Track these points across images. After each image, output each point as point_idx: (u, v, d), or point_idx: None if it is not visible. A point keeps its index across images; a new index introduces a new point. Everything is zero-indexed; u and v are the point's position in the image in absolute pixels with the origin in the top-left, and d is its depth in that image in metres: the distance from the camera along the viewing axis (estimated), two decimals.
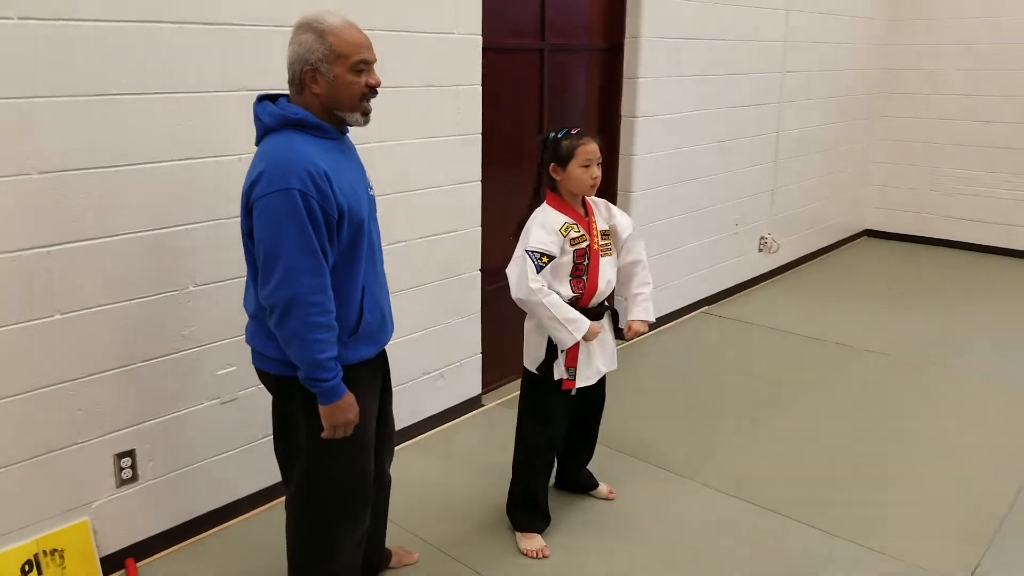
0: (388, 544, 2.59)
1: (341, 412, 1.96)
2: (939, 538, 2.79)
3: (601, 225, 2.62)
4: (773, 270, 5.97)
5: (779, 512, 2.92)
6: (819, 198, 6.36)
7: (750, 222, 5.52)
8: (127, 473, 2.54)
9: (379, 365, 2.22)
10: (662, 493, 3.04)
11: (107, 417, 2.47)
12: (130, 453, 2.54)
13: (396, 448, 3.31)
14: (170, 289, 2.53)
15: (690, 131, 4.68)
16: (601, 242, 2.58)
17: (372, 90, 2.00)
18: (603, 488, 2.99)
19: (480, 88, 3.37)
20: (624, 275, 2.72)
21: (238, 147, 2.58)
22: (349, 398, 1.97)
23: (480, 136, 3.42)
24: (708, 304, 5.30)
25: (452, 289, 3.45)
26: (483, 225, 3.54)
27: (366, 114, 2.02)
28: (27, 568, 2.35)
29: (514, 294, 2.48)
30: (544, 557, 2.65)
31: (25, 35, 2.11)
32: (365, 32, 1.99)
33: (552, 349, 2.57)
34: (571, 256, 2.51)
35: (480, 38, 3.32)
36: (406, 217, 3.18)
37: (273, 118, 1.95)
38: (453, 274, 3.44)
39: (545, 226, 2.50)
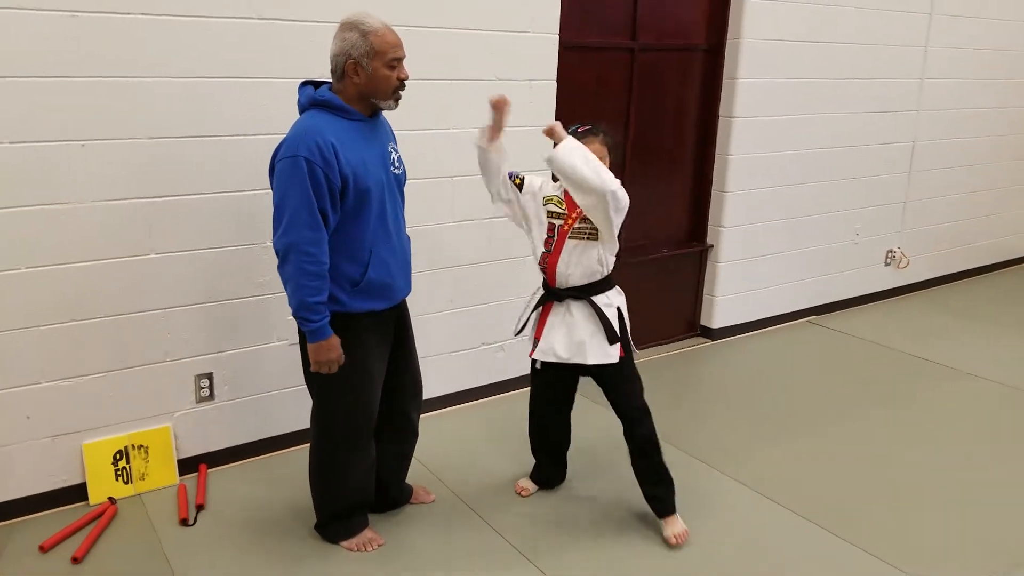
0: (412, 483, 2.94)
1: (324, 351, 2.33)
2: (946, 559, 2.72)
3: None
4: (903, 286, 5.70)
5: (807, 518, 2.95)
6: (969, 216, 5.96)
7: (874, 233, 5.33)
8: (204, 392, 3.07)
9: (391, 319, 2.55)
10: (689, 486, 3.11)
11: (191, 343, 2.99)
12: (208, 376, 3.06)
13: (453, 408, 3.66)
14: (247, 243, 3.02)
15: (795, 135, 4.64)
16: (578, 225, 2.60)
17: (402, 82, 2.37)
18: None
19: (555, 83, 3.62)
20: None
21: None
22: (333, 341, 2.33)
23: None
24: (817, 314, 5.19)
25: (516, 269, 3.73)
26: None
27: (397, 100, 2.40)
28: (118, 456, 2.92)
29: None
30: (523, 495, 2.97)
31: (159, 29, 2.66)
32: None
33: (526, 322, 2.80)
34: (545, 227, 2.67)
35: (556, 37, 3.57)
36: (471, 199, 3.50)
37: (306, 99, 2.37)
38: (519, 254, 3.72)
39: (540, 180, 2.73)
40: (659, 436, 2.74)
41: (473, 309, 3.65)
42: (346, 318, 2.39)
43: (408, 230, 2.63)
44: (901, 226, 5.50)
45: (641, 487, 2.77)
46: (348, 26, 2.33)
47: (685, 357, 4.48)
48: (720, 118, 4.41)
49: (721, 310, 4.68)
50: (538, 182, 2.72)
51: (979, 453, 3.45)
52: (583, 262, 2.61)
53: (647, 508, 2.79)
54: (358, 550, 2.64)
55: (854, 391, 4.07)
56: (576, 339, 2.63)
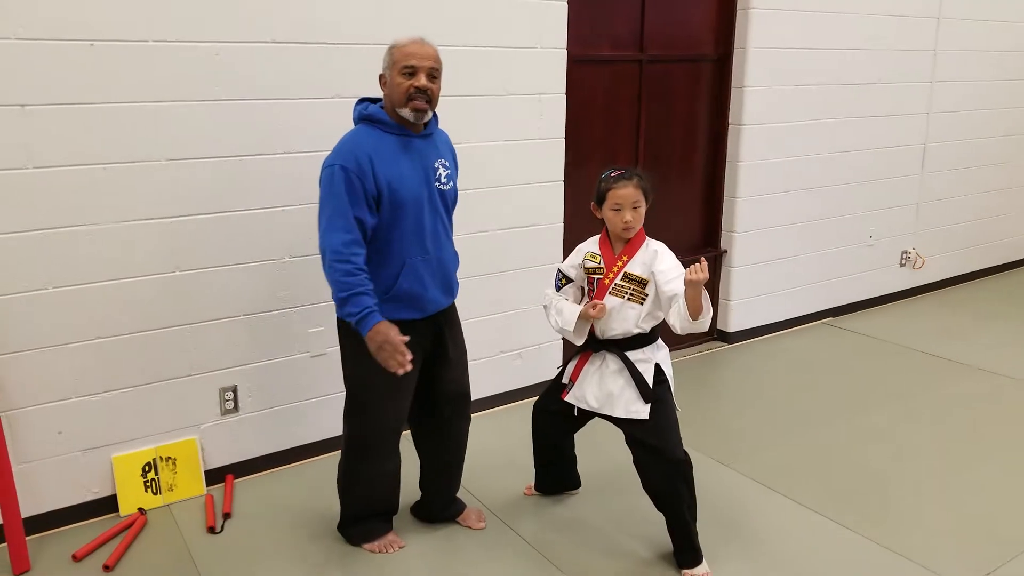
0: (469, 506, 2.95)
1: (373, 340, 2.33)
2: (959, 552, 2.75)
3: (635, 269, 2.60)
4: (920, 286, 5.71)
5: (802, 503, 3.00)
6: (985, 214, 5.96)
7: (889, 235, 5.35)
8: (229, 404, 3.15)
9: (425, 330, 2.57)
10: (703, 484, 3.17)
11: (215, 357, 3.08)
12: (233, 389, 3.15)
13: (475, 416, 3.70)
14: (268, 259, 3.11)
15: (805, 140, 4.68)
16: (619, 282, 2.60)
17: (418, 90, 2.40)
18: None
19: (564, 96, 3.70)
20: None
21: (327, 144, 3.09)
22: (380, 327, 2.32)
23: (563, 140, 3.75)
24: (834, 315, 5.22)
25: (533, 278, 3.80)
26: (569, 222, 3.86)
27: (415, 110, 2.42)
28: (147, 468, 3.01)
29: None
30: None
31: (171, 55, 2.76)
32: (433, 46, 2.45)
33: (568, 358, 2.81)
34: (584, 282, 2.71)
35: (564, 51, 3.65)
36: (487, 209, 3.58)
37: (356, 114, 2.51)
38: (533, 264, 3.79)
39: (578, 251, 2.74)
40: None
41: (491, 319, 3.72)
42: None
43: None
44: (915, 227, 5.51)
45: (671, 533, 2.68)
46: (388, 47, 2.47)
47: (701, 361, 4.52)
48: (730, 126, 4.47)
49: (736, 314, 4.72)
50: (578, 259, 2.72)
51: (991, 447, 3.46)
52: (620, 320, 2.60)
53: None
54: (379, 552, 2.71)
55: (867, 389, 4.11)
56: (607, 390, 2.63)
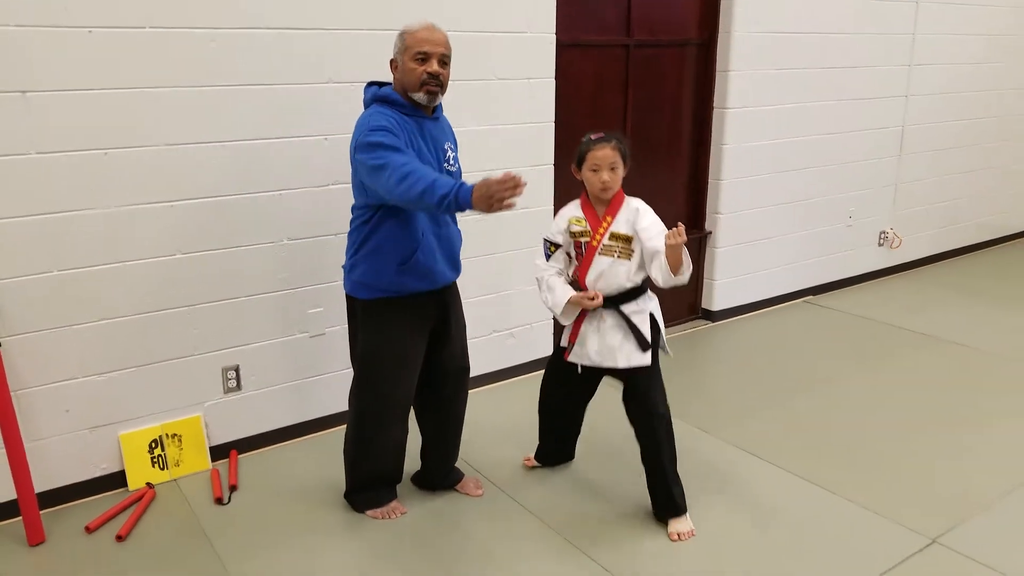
0: (466, 475, 3.08)
1: (481, 195, 2.23)
2: (924, 504, 2.92)
3: (620, 228, 2.71)
4: (897, 265, 5.87)
5: (778, 465, 3.15)
6: (960, 196, 6.13)
7: (868, 216, 5.50)
8: (232, 383, 3.25)
9: (431, 303, 2.69)
10: (687, 449, 3.31)
11: (217, 337, 3.17)
12: (235, 368, 3.24)
13: (470, 392, 3.81)
14: (268, 241, 3.19)
15: (787, 123, 4.81)
16: (607, 242, 2.71)
17: (431, 76, 2.50)
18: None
19: (553, 81, 3.80)
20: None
21: (323, 128, 3.20)
22: (474, 186, 2.25)
23: (553, 124, 3.85)
24: (815, 294, 5.37)
25: (523, 259, 3.91)
26: (560, 205, 3.95)
27: (429, 94, 2.52)
28: (153, 445, 3.10)
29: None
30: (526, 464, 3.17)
31: (168, 41, 2.83)
32: (443, 32, 2.54)
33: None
34: (571, 247, 2.79)
35: (553, 36, 3.74)
36: None
37: (369, 96, 2.59)
38: (524, 245, 3.90)
39: (561, 216, 2.84)
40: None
41: (484, 299, 3.83)
42: (387, 302, 2.59)
43: None
44: (893, 208, 5.67)
45: (650, 487, 2.84)
46: (400, 32, 2.55)
47: (686, 338, 4.66)
48: (714, 109, 4.58)
49: (720, 293, 4.86)
50: (562, 224, 2.80)
51: (958, 413, 3.64)
52: (612, 278, 2.71)
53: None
54: (383, 518, 2.84)
55: (843, 361, 4.29)
56: (607, 344, 2.74)
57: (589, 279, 2.74)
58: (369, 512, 2.86)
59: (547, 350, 4.14)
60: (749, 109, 4.60)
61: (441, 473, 3.01)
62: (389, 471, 2.87)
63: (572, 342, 2.85)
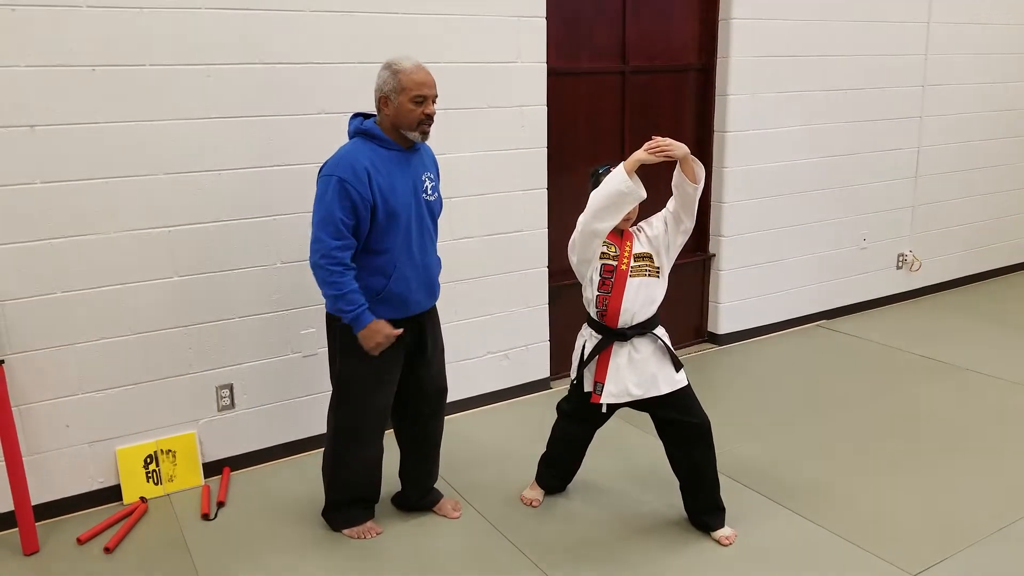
0: (445, 496, 3.12)
1: (369, 336, 2.61)
2: (910, 538, 2.86)
3: (640, 248, 2.77)
4: (918, 289, 5.77)
5: (768, 496, 3.12)
6: (982, 218, 6.01)
7: (884, 238, 5.43)
8: (226, 401, 3.37)
9: (408, 329, 2.75)
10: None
11: (211, 356, 3.30)
12: (229, 386, 3.37)
13: (462, 414, 3.87)
14: (260, 264, 3.32)
15: (789, 146, 4.80)
16: (633, 264, 2.74)
17: (427, 117, 2.63)
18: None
19: (545, 108, 3.88)
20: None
21: (314, 157, 3.31)
22: (375, 324, 2.60)
23: (545, 150, 3.93)
24: (829, 318, 5.31)
25: (518, 281, 3.97)
26: (554, 229, 4.03)
27: (424, 133, 2.66)
28: (148, 460, 3.23)
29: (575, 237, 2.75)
30: (534, 506, 3.11)
31: (167, 77, 3.00)
32: (430, 70, 2.63)
33: (583, 358, 2.82)
34: (599, 269, 2.74)
35: (544, 65, 3.83)
36: (472, 216, 3.77)
37: (353, 128, 2.70)
38: (519, 268, 3.96)
39: None
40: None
41: (477, 320, 3.90)
42: None
43: None
44: (911, 230, 5.58)
45: (696, 499, 2.88)
46: (385, 66, 2.64)
47: (690, 361, 4.64)
48: (715, 133, 4.60)
49: (726, 316, 4.85)
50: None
51: (970, 445, 3.55)
52: (647, 298, 2.73)
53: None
54: (359, 538, 2.90)
55: (851, 388, 4.21)
56: (648, 373, 2.74)
57: (626, 303, 2.72)
58: (346, 531, 2.93)
59: (541, 372, 4.19)
60: (751, 132, 4.62)
61: (419, 493, 3.06)
62: (364, 489, 2.94)
63: (600, 381, 2.80)
